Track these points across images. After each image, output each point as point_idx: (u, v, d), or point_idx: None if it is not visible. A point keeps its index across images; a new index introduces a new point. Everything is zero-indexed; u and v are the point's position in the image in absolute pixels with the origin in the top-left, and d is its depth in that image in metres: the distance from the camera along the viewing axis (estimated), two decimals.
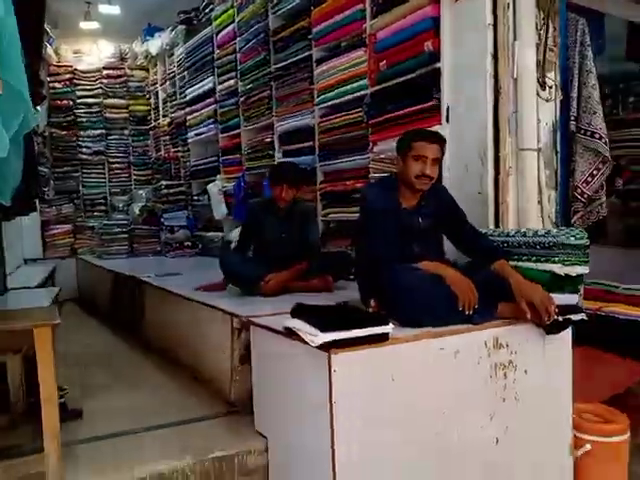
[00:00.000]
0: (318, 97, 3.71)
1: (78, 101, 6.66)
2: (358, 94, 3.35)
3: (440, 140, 2.15)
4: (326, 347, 1.55)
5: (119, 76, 6.79)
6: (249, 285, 2.83)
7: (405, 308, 1.91)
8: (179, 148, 6.04)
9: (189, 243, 5.57)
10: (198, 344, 2.74)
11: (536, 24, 2.58)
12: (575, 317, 1.96)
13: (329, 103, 3.63)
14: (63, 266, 5.83)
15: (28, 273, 4.96)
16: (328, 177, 3.69)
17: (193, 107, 5.55)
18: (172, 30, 5.78)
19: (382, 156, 3.17)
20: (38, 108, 5.59)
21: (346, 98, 3.46)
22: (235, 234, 4.94)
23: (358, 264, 2.41)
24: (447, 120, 2.76)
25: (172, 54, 5.98)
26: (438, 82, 2.77)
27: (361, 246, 2.36)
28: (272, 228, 3.01)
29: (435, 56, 2.76)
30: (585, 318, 1.97)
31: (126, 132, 6.92)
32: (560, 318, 1.90)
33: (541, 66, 2.60)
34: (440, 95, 2.77)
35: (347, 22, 3.36)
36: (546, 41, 2.61)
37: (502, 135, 2.57)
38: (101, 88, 6.72)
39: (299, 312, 1.81)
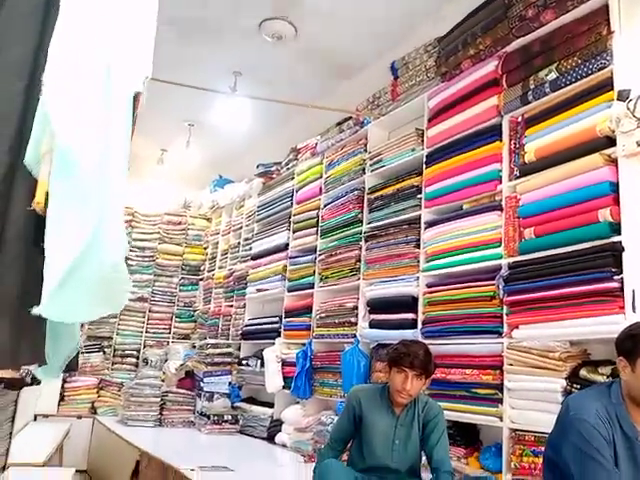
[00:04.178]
0: (426, 263, 3.13)
1: (132, 244, 6.31)
2: (486, 264, 2.75)
3: None
4: None
5: (180, 223, 6.52)
6: None
7: None
8: (233, 303, 5.44)
9: (229, 417, 4.65)
10: None
11: None
12: None
13: (441, 271, 3.03)
14: (78, 427, 4.93)
15: (36, 436, 4.08)
16: (436, 360, 2.92)
17: (258, 261, 5.06)
18: (247, 182, 5.57)
19: (525, 344, 2.44)
20: None
21: (466, 267, 2.86)
22: (289, 414, 4.08)
23: None
24: (634, 309, 2.08)
25: (242, 205, 5.71)
26: (619, 259, 2.16)
27: None
28: (381, 430, 2.20)
29: (615, 227, 2.18)
30: None
31: (175, 280, 6.44)
32: None
33: None
34: (622, 276, 2.14)
35: (474, 183, 2.90)
36: None
37: None
38: (159, 233, 6.42)
39: None
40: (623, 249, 2.14)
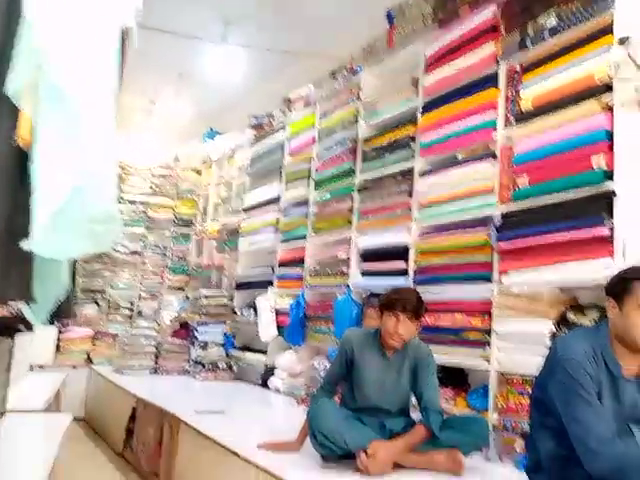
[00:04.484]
0: (419, 213, 3.15)
1: (123, 196, 6.26)
2: (479, 213, 2.77)
3: None
4: None
5: (170, 176, 6.46)
6: (344, 455, 2.04)
7: None
8: (225, 255, 5.46)
9: (224, 365, 4.76)
10: None
11: None
12: None
13: (434, 221, 3.05)
14: (74, 376, 5.01)
15: (33, 385, 4.15)
16: (426, 306, 2.98)
17: (250, 213, 5.06)
18: (238, 134, 5.49)
19: (515, 290, 2.50)
20: None
21: (459, 217, 2.88)
22: (283, 360, 4.18)
23: (536, 452, 1.63)
24: (624, 256, 2.12)
25: (233, 158, 5.65)
26: (610, 206, 2.18)
27: (547, 426, 1.59)
28: (373, 372, 2.26)
29: (608, 175, 2.19)
30: None
31: (167, 233, 6.43)
32: None
33: None
34: (612, 223, 2.17)
35: (469, 131, 2.89)
36: None
37: None
38: (150, 186, 6.36)
39: None
40: (615, 195, 2.16)
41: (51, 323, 2.34)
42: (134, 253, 6.20)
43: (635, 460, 1.35)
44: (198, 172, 6.54)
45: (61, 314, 2.37)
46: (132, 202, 6.30)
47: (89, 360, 5.32)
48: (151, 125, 6.58)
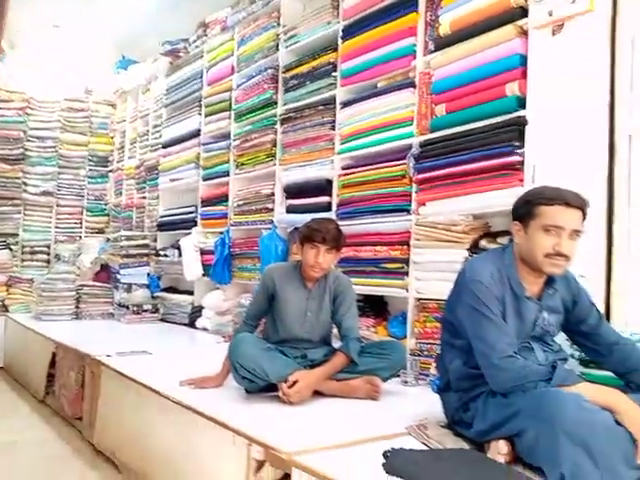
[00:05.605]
0: (341, 145, 3.09)
1: (30, 133, 5.75)
2: (398, 143, 2.75)
3: (582, 203, 1.53)
4: None
5: (82, 110, 5.96)
6: (266, 387, 2.05)
7: (579, 465, 1.21)
8: (145, 195, 5.22)
9: (149, 307, 4.65)
10: (184, 472, 1.89)
11: None
12: None
13: (356, 153, 3.00)
14: None
15: None
16: (349, 239, 2.98)
17: (169, 149, 4.80)
18: (152, 62, 5.10)
19: (431, 220, 2.53)
20: None
21: (380, 148, 2.85)
22: (210, 299, 4.13)
23: (446, 372, 1.69)
24: (533, 182, 2.18)
25: (148, 89, 5.27)
26: (522, 134, 2.21)
27: (456, 346, 1.65)
28: (294, 304, 2.26)
29: (521, 102, 2.20)
30: None
31: (82, 172, 6.01)
32: None
33: None
34: (524, 150, 2.20)
35: (389, 58, 2.81)
36: None
37: (617, 204, 2.01)
38: (59, 121, 5.86)
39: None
40: (527, 123, 2.18)
41: None
42: (47, 194, 5.78)
43: (533, 374, 1.43)
44: (112, 105, 6.09)
45: None
46: (40, 138, 5.80)
47: (4, 307, 5.03)
48: (58, 54, 5.97)
